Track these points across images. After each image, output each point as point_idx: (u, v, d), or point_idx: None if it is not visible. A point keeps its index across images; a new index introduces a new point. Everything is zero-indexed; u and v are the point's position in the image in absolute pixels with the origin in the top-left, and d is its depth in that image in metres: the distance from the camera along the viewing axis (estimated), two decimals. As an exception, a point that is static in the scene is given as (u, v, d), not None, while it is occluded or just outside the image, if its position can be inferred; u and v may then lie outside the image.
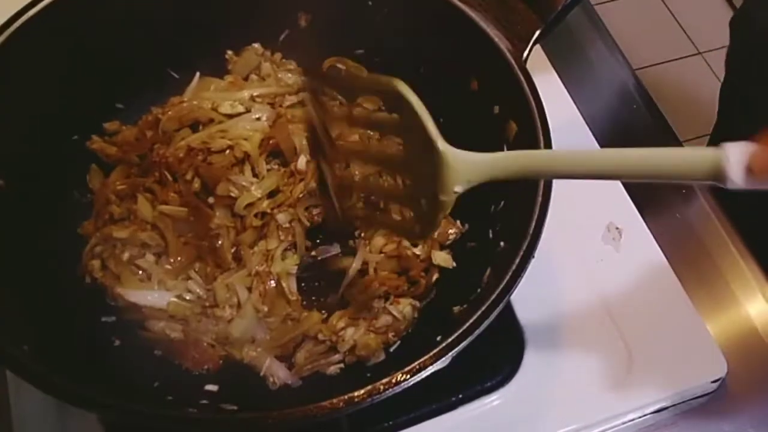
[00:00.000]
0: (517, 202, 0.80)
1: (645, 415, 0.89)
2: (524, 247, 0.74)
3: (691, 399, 0.90)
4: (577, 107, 1.11)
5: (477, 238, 0.91)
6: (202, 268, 0.90)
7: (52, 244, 0.87)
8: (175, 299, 0.86)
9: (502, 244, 0.82)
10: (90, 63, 0.93)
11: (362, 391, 0.66)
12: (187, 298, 0.87)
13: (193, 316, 0.86)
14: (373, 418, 0.86)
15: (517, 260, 0.73)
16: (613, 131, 1.11)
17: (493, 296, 0.71)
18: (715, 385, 0.90)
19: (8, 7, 0.85)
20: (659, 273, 0.97)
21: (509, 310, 0.91)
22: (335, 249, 0.95)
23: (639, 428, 0.89)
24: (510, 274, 0.73)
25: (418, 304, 0.88)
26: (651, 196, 1.04)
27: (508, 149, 0.87)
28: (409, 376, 0.67)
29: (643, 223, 1.01)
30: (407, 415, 0.86)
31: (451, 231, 0.94)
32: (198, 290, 0.88)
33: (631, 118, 1.14)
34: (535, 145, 0.81)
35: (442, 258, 0.91)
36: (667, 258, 0.98)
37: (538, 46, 0.87)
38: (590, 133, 1.09)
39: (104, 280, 0.87)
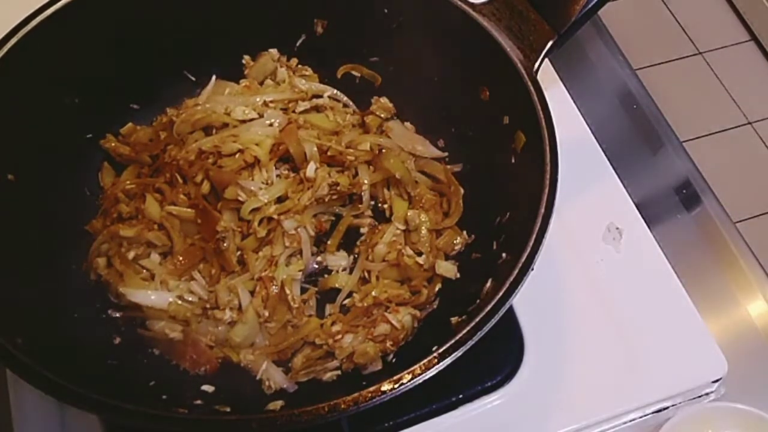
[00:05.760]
0: (522, 214, 0.79)
1: (645, 415, 0.89)
2: (523, 260, 0.73)
3: (692, 399, 0.90)
4: (578, 107, 1.11)
5: (482, 249, 0.90)
6: (206, 270, 0.90)
7: (59, 240, 0.88)
8: (176, 300, 0.87)
9: (504, 255, 0.81)
10: (107, 63, 0.94)
11: (348, 399, 0.66)
12: (189, 299, 0.88)
13: (193, 317, 0.87)
14: (373, 418, 0.86)
15: (515, 273, 0.72)
16: (613, 131, 1.10)
17: (488, 308, 0.70)
18: (715, 385, 0.90)
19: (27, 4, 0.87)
20: (659, 273, 0.97)
21: (509, 310, 0.90)
22: (342, 259, 0.95)
23: (639, 428, 0.88)
24: (506, 287, 0.72)
25: (418, 313, 0.88)
26: (651, 197, 1.04)
27: (515, 160, 0.86)
28: (396, 385, 0.66)
29: (643, 223, 1.01)
30: (408, 415, 0.86)
31: (456, 241, 0.93)
32: (200, 291, 0.88)
33: (631, 118, 1.13)
34: (542, 157, 0.80)
35: (446, 268, 0.90)
36: (667, 258, 0.97)
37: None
38: (593, 137, 1.08)
39: (108, 278, 0.88)
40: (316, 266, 0.94)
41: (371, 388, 0.66)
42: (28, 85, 0.87)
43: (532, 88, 0.84)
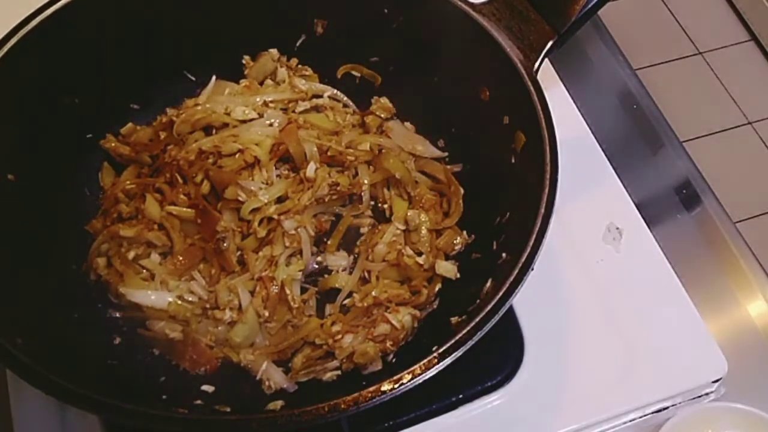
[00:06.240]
0: (522, 214, 0.79)
1: (645, 415, 0.89)
2: (523, 260, 0.73)
3: (692, 399, 0.90)
4: (577, 107, 1.11)
5: (482, 250, 0.90)
6: (206, 270, 0.90)
7: (59, 240, 0.88)
8: (176, 300, 0.87)
9: (504, 255, 0.81)
10: (107, 63, 0.94)
11: (348, 399, 0.66)
12: (189, 299, 0.88)
13: (193, 317, 0.87)
14: (373, 418, 0.86)
15: (515, 272, 0.72)
16: (613, 131, 1.10)
17: (488, 308, 0.70)
18: (715, 385, 0.90)
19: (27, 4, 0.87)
20: (659, 273, 0.97)
21: (509, 310, 0.90)
22: (342, 259, 0.95)
23: (639, 428, 0.88)
24: (506, 287, 0.72)
25: (418, 313, 0.87)
26: (651, 197, 1.04)
27: (515, 160, 0.86)
28: (396, 385, 0.66)
29: (643, 223, 1.01)
30: (408, 415, 0.86)
31: (456, 241, 0.93)
32: (200, 291, 0.88)
33: (631, 118, 1.13)
34: (542, 157, 0.80)
35: (446, 268, 0.90)
36: (667, 258, 0.97)
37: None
38: (593, 137, 1.08)
39: (108, 278, 0.88)
40: (316, 266, 0.94)
41: (371, 388, 0.66)
42: (28, 85, 0.87)
43: (532, 88, 0.84)
